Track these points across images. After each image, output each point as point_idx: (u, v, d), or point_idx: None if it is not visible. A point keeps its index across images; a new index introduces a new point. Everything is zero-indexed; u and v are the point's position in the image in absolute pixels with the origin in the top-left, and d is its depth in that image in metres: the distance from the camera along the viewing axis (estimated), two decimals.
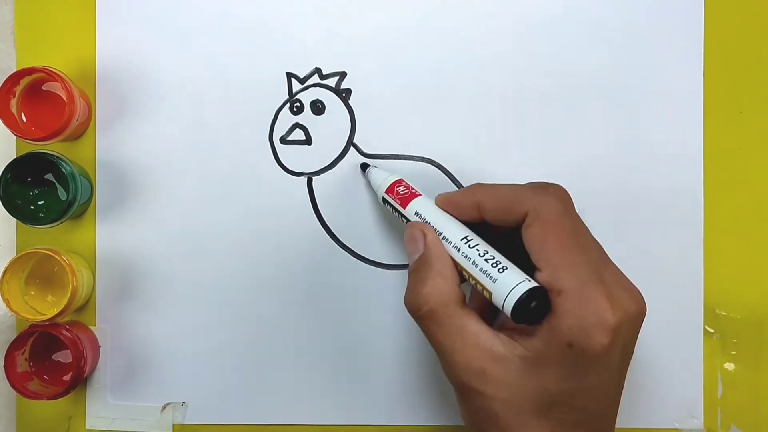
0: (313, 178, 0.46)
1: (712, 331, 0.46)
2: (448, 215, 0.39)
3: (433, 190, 0.46)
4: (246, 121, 0.46)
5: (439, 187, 0.46)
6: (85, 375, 0.45)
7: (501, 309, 0.35)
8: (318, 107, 0.46)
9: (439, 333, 0.36)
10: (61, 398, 0.43)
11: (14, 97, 0.44)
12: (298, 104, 0.46)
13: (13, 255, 0.46)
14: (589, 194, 0.46)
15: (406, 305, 0.37)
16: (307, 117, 0.46)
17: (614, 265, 0.36)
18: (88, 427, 0.46)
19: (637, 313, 0.35)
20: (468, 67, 0.47)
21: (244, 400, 0.46)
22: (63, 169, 0.43)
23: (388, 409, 0.46)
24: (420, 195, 0.41)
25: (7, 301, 0.42)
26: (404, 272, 0.46)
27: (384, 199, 0.43)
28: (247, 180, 0.46)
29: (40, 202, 0.45)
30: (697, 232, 0.46)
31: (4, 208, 0.43)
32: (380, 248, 0.46)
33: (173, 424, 0.46)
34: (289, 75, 0.47)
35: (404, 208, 0.41)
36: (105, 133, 0.47)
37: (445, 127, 0.47)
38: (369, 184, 0.45)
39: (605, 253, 0.36)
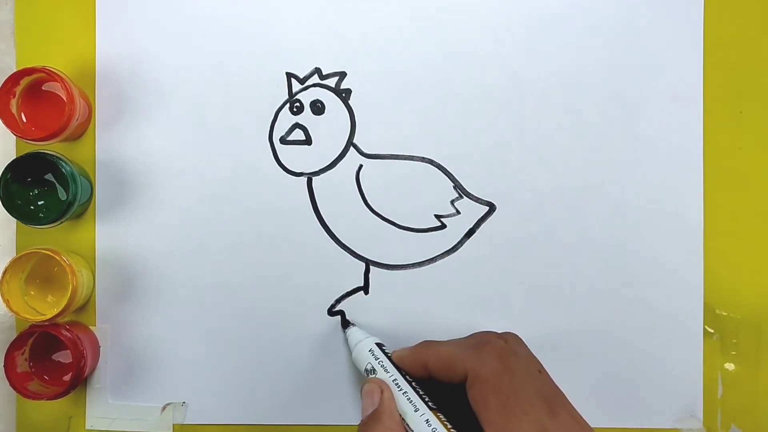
0: (313, 178, 0.46)
1: (712, 331, 0.46)
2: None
3: (433, 190, 0.46)
4: (246, 121, 0.46)
5: (439, 187, 0.46)
6: (85, 375, 0.45)
7: None
8: (318, 107, 0.46)
9: None
10: (61, 398, 0.43)
11: (14, 97, 0.44)
12: (298, 104, 0.46)
13: (13, 255, 0.46)
14: (589, 194, 0.46)
15: None
16: (307, 117, 0.46)
17: (565, 408, 0.36)
18: (88, 427, 0.46)
19: None
20: (468, 67, 0.47)
21: (244, 400, 0.46)
22: (63, 169, 0.43)
23: None
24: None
25: (7, 302, 0.42)
26: (405, 272, 0.46)
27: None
28: (247, 180, 0.46)
29: (40, 202, 0.45)
30: (697, 232, 0.46)
31: (4, 208, 0.43)
32: (380, 248, 0.46)
33: (173, 424, 0.46)
34: (289, 75, 0.47)
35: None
36: (105, 133, 0.47)
37: (445, 127, 0.47)
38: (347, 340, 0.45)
39: (557, 397, 0.36)
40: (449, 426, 0.37)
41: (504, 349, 0.38)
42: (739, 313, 0.46)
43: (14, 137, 0.46)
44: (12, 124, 0.43)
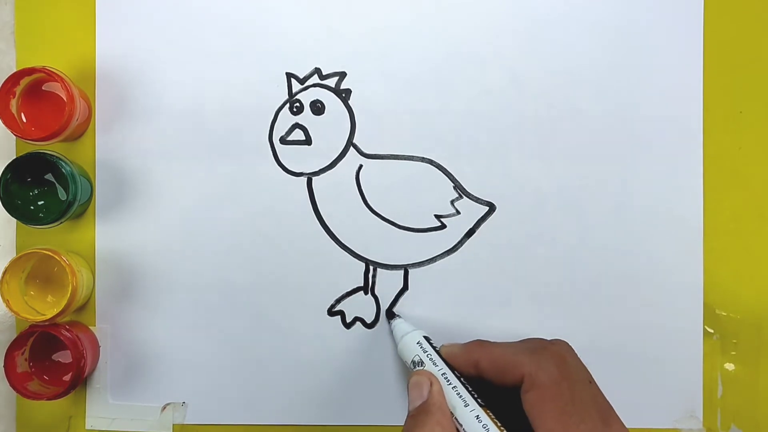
0: (313, 178, 0.46)
1: (712, 331, 0.46)
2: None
3: (433, 190, 0.46)
4: (246, 121, 0.46)
5: (439, 187, 0.46)
6: (85, 375, 0.45)
7: None
8: (318, 107, 0.46)
9: None
10: (61, 398, 0.43)
11: (14, 97, 0.44)
12: (298, 104, 0.46)
13: (13, 255, 0.46)
14: (589, 194, 0.46)
15: None
16: (306, 117, 0.46)
17: (616, 421, 0.36)
18: (88, 427, 0.46)
19: None
20: (468, 67, 0.47)
21: (244, 400, 0.46)
22: (63, 169, 0.43)
23: (387, 409, 0.46)
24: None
25: (7, 302, 0.42)
26: (402, 272, 0.46)
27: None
28: (247, 180, 0.46)
29: (40, 202, 0.45)
30: (697, 232, 0.46)
31: (4, 208, 0.43)
32: (380, 248, 0.46)
33: (173, 424, 0.46)
34: (289, 75, 0.47)
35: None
36: (105, 133, 0.47)
37: (445, 127, 0.47)
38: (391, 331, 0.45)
39: (609, 409, 0.37)
40: (499, 424, 0.37)
41: (562, 356, 0.38)
42: (739, 313, 0.46)
43: (14, 137, 0.46)
44: (12, 124, 0.43)
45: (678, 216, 0.46)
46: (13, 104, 0.44)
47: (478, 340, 0.41)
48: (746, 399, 0.46)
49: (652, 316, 0.46)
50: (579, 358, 0.38)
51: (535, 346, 0.38)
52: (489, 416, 0.37)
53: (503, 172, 0.46)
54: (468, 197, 0.46)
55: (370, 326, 0.46)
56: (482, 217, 0.46)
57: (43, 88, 0.45)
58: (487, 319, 0.46)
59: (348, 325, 0.46)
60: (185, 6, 0.47)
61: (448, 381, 0.39)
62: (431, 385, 0.38)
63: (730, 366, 0.46)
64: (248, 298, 0.46)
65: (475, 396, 0.38)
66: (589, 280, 0.46)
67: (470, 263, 0.46)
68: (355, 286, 0.46)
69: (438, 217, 0.46)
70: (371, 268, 0.46)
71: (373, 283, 0.46)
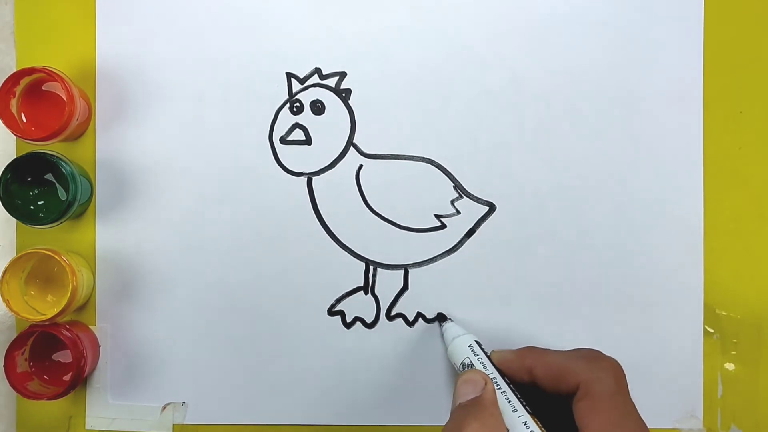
0: (313, 178, 0.46)
1: (712, 331, 0.46)
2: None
3: (433, 190, 0.46)
4: (246, 121, 0.46)
5: (439, 187, 0.46)
6: (85, 375, 0.45)
7: None
8: (318, 107, 0.46)
9: None
10: (61, 398, 0.43)
11: (14, 97, 0.44)
12: (298, 104, 0.46)
13: (13, 255, 0.46)
14: (589, 194, 0.46)
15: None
16: (307, 117, 0.46)
17: None
18: (88, 427, 0.46)
19: None
20: (468, 67, 0.47)
21: (244, 400, 0.46)
22: (63, 169, 0.43)
23: (387, 409, 0.46)
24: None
25: (7, 301, 0.42)
26: (402, 272, 0.46)
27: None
28: (247, 180, 0.46)
29: (40, 202, 0.45)
30: (697, 232, 0.46)
31: (4, 208, 0.43)
32: (380, 248, 0.46)
33: (173, 424, 0.46)
34: (289, 75, 0.47)
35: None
36: (105, 133, 0.47)
37: (445, 127, 0.47)
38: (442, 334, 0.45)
39: (647, 428, 0.37)
40: None
41: (619, 368, 0.38)
42: (739, 313, 0.46)
43: (14, 137, 0.46)
44: (12, 124, 0.43)
45: (678, 216, 0.46)
46: (13, 104, 0.44)
47: (529, 346, 0.41)
48: (746, 399, 0.46)
49: (652, 316, 0.46)
50: None
51: (591, 356, 0.38)
52: (537, 423, 0.37)
53: (503, 172, 0.46)
54: (468, 197, 0.46)
55: (370, 326, 0.46)
56: (482, 217, 0.46)
57: (43, 88, 0.45)
58: (487, 319, 0.46)
59: (348, 325, 0.46)
60: (185, 6, 0.47)
61: (497, 385, 0.39)
62: (486, 383, 0.38)
63: (730, 366, 0.46)
64: (248, 298, 0.46)
65: (524, 403, 0.38)
66: (590, 280, 0.46)
67: (470, 263, 0.46)
68: (355, 286, 0.46)
69: (438, 217, 0.46)
70: (371, 267, 0.46)
71: (373, 283, 0.46)
